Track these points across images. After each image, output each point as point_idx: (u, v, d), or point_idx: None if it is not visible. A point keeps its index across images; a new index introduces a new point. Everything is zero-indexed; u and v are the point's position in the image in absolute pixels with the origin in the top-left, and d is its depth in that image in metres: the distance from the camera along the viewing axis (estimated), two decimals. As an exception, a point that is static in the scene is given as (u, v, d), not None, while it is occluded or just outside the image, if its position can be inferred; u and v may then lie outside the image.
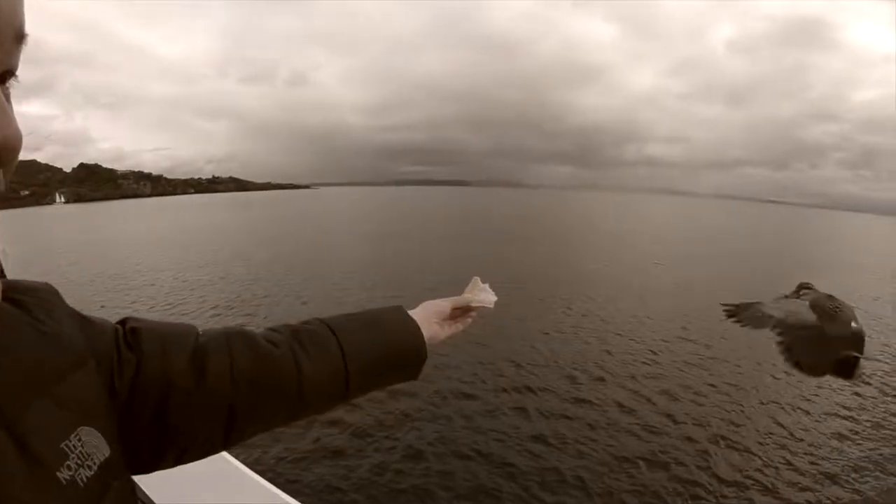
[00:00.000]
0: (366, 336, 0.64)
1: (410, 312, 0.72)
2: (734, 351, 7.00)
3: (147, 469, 0.50)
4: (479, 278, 0.81)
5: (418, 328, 0.69)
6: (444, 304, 0.76)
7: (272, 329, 0.61)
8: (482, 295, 0.79)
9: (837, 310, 0.87)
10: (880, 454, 4.57)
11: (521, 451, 4.42)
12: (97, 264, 15.51)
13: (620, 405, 5.35)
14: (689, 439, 4.70)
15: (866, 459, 4.47)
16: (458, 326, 0.79)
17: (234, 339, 0.56)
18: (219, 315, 9.19)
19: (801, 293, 0.96)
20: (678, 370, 6.40)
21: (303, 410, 0.60)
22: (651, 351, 7.12)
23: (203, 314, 9.29)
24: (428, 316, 0.73)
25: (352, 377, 0.61)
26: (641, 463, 4.27)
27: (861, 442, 4.80)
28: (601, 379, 6.14)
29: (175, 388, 0.49)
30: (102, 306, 9.86)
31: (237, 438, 0.55)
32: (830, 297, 0.91)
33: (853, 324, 0.86)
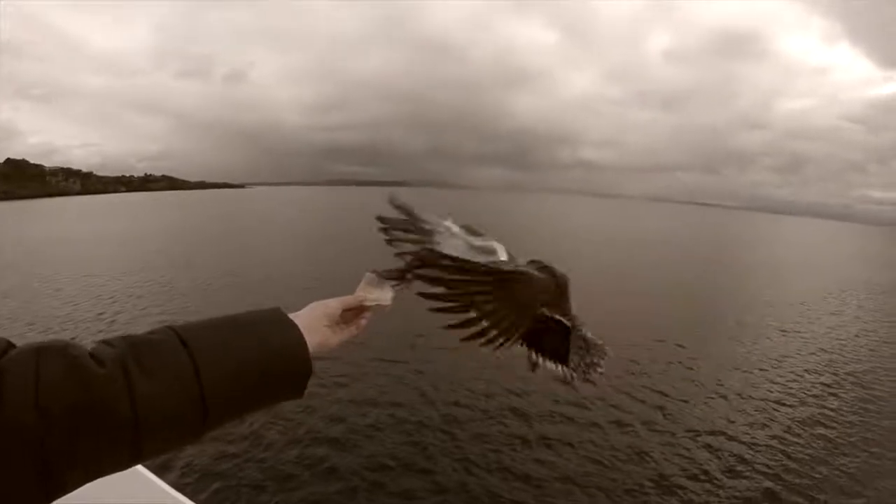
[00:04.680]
0: (229, 346, 0.51)
1: (292, 316, 0.60)
2: (702, 349, 7.38)
3: None
4: (373, 273, 0.70)
5: (300, 334, 0.58)
6: (334, 305, 0.66)
7: (105, 342, 0.48)
8: (377, 293, 0.68)
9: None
10: (861, 437, 4.97)
11: (529, 459, 4.32)
12: (34, 267, 13.70)
13: (616, 406, 5.40)
14: (688, 434, 4.86)
15: (849, 445, 4.81)
16: (352, 330, 0.69)
17: (45, 356, 0.43)
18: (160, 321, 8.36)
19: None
20: (660, 372, 6.53)
21: (145, 445, 0.46)
22: (629, 348, 7.22)
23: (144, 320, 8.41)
24: (315, 318, 0.62)
25: (209, 400, 0.48)
26: (648, 458, 4.35)
27: (839, 428, 5.17)
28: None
29: None
30: (35, 311, 8.76)
31: (60, 487, 0.42)
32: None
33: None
